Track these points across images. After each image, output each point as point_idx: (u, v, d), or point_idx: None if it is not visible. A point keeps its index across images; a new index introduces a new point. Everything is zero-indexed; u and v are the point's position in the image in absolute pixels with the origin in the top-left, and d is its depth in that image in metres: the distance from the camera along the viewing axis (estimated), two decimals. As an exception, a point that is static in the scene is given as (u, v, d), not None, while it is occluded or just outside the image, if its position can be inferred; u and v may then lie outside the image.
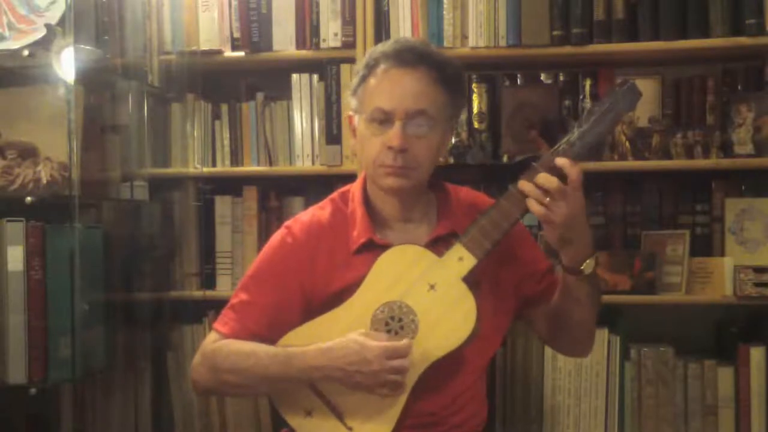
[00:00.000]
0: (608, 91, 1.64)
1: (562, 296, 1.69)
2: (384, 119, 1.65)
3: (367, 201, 1.75)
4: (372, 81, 1.69)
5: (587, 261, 1.61)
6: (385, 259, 1.64)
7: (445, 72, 1.68)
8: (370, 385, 1.57)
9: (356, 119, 1.73)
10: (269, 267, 1.75)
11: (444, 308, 1.60)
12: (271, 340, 1.67)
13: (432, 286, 1.61)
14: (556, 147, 1.60)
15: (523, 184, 1.56)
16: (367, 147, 1.68)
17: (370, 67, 1.70)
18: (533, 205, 1.55)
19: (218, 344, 1.70)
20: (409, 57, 1.67)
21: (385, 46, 1.71)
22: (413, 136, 1.64)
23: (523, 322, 1.85)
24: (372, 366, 1.55)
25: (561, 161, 1.55)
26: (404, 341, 1.57)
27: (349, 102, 1.75)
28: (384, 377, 1.55)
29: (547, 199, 1.53)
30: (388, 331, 1.61)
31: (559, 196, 1.53)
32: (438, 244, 1.67)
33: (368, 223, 1.71)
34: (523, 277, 1.77)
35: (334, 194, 1.81)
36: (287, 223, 1.79)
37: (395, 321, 1.62)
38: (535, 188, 1.54)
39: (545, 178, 1.53)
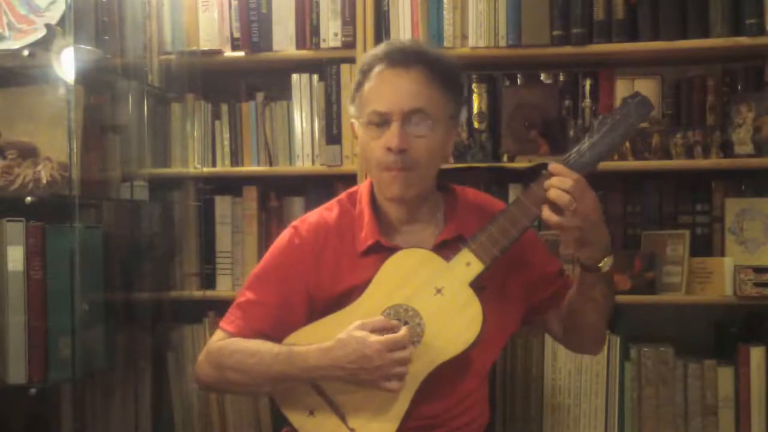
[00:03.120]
0: (621, 102, 1.63)
1: (578, 296, 1.69)
2: (381, 122, 1.64)
3: (374, 203, 1.75)
4: (367, 85, 1.68)
5: (605, 259, 1.61)
6: (392, 262, 1.64)
7: (440, 70, 1.67)
8: (374, 379, 1.57)
9: (356, 126, 1.73)
10: (275, 267, 1.75)
11: (450, 313, 1.60)
12: (277, 339, 1.67)
13: (439, 290, 1.61)
14: (566, 156, 1.61)
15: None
16: (367, 152, 1.68)
17: (364, 72, 1.69)
18: (549, 215, 1.55)
19: (223, 342, 1.70)
20: (400, 57, 1.66)
21: (376, 50, 1.71)
22: (413, 136, 1.63)
23: (537, 325, 1.85)
24: (374, 362, 1.55)
25: (556, 168, 1.56)
26: (401, 332, 1.57)
27: (349, 110, 1.75)
28: (387, 370, 1.55)
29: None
30: None
31: (577, 198, 1.53)
32: (445, 248, 1.67)
33: (375, 225, 1.71)
34: (532, 282, 1.76)
35: (342, 195, 1.81)
36: (294, 223, 1.78)
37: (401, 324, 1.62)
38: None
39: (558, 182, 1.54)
